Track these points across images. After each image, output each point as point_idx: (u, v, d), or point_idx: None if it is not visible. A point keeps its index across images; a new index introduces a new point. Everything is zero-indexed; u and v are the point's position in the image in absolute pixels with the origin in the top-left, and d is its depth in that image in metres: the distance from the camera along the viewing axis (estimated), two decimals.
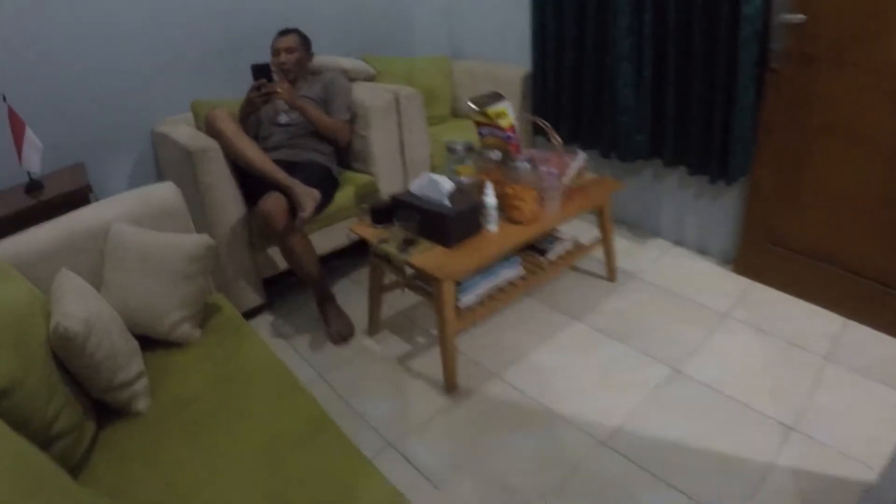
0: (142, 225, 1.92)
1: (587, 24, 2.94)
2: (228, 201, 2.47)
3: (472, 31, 3.79)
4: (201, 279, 1.88)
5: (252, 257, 2.61)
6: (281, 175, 2.37)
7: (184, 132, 2.55)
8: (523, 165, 2.16)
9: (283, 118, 2.78)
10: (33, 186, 2.42)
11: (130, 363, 1.64)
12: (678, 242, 3.10)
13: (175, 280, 1.83)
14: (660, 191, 3.08)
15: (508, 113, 2.25)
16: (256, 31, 3.09)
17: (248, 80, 2.58)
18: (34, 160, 2.37)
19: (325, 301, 2.59)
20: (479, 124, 2.34)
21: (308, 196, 2.34)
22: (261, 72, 2.51)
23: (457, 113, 3.70)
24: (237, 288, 2.61)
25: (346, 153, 2.98)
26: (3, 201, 2.39)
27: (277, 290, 2.93)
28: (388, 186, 2.90)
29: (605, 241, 2.69)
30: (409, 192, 2.21)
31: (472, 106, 2.28)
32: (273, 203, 2.32)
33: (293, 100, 2.58)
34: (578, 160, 2.43)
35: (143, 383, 1.66)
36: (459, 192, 2.17)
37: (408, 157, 2.95)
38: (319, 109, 2.77)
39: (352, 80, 3.13)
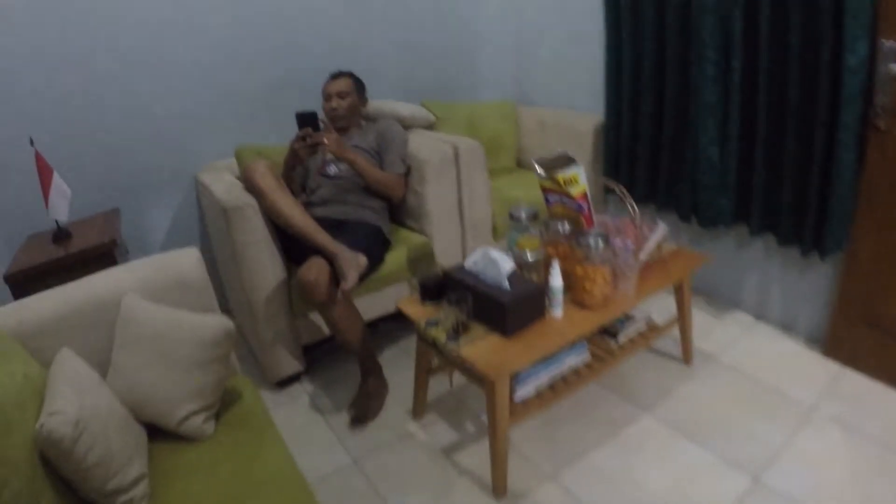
0: (157, 298, 1.68)
1: (667, 69, 2.61)
2: (267, 263, 2.23)
3: (541, 75, 3.50)
4: (218, 367, 1.62)
5: (291, 323, 2.36)
6: (324, 238, 2.12)
7: (223, 183, 2.34)
8: (596, 242, 1.84)
9: (331, 169, 2.55)
10: (61, 235, 2.24)
11: (129, 466, 1.39)
12: (760, 317, 2.71)
13: (188, 368, 1.58)
14: (743, 259, 2.70)
15: (580, 180, 1.94)
16: (308, 72, 2.89)
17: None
18: (61, 208, 2.19)
19: (369, 376, 2.31)
20: (545, 190, 2.04)
21: (353, 264, 2.08)
22: (306, 120, 2.28)
23: (522, 164, 3.41)
24: (274, 354, 2.37)
25: (400, 209, 2.73)
26: (28, 250, 2.21)
27: (319, 355, 2.68)
28: (444, 248, 2.63)
29: (682, 321, 2.34)
30: (462, 268, 1.92)
31: (539, 170, 1.98)
32: (314, 271, 2.07)
33: (341, 152, 2.34)
34: (658, 233, 2.10)
35: (141, 488, 1.40)
36: (521, 271, 1.87)
37: (466, 216, 2.66)
38: (372, 162, 2.53)
39: (409, 127, 2.88)
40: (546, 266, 1.87)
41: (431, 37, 3.38)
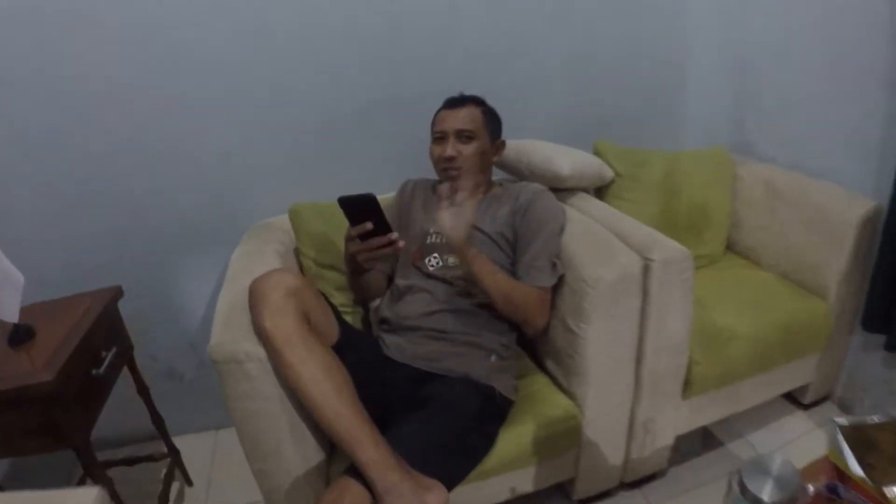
0: None
1: None
2: (285, 442, 1.23)
3: (776, 119, 2.15)
4: None
5: None
6: (367, 452, 1.06)
7: (239, 281, 1.33)
8: None
9: (434, 262, 1.50)
10: (19, 335, 1.38)
11: None
12: None
13: None
14: None
15: None
16: (418, 95, 1.78)
17: (389, 172, 1.59)
18: (9, 305, 1.33)
19: None
20: (838, 473, 0.86)
21: None
22: (359, 209, 1.25)
23: (736, 247, 2.15)
24: None
25: (540, 339, 1.61)
26: None
27: None
28: (602, 419, 1.50)
29: None
30: None
31: (846, 452, 0.82)
32: None
33: (463, 253, 1.31)
34: None
35: None
36: None
37: (647, 367, 1.51)
38: (498, 256, 1.48)
39: (571, 190, 1.77)
40: None
41: (611, 46, 2.13)
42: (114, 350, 1.52)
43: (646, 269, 1.39)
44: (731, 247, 2.15)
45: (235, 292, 1.31)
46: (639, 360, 1.48)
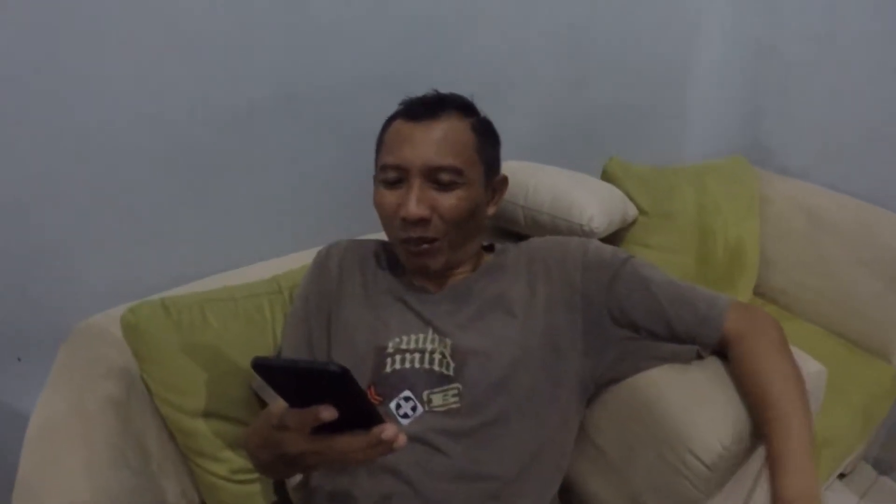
0: None
1: None
2: None
3: (811, 121, 1.61)
4: None
5: None
6: None
7: None
8: None
9: (406, 406, 0.77)
10: None
11: None
12: None
13: None
14: None
15: None
16: (336, 93, 1.10)
17: (295, 228, 1.15)
18: None
19: None
20: None
21: None
22: (302, 381, 0.50)
23: (762, 289, 1.60)
24: None
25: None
26: None
27: None
28: None
29: None
30: None
31: None
32: None
33: None
34: None
35: None
36: None
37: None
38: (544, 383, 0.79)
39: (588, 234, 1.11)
40: None
41: (609, 19, 1.48)
42: None
43: None
44: (758, 290, 1.61)
45: None
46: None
